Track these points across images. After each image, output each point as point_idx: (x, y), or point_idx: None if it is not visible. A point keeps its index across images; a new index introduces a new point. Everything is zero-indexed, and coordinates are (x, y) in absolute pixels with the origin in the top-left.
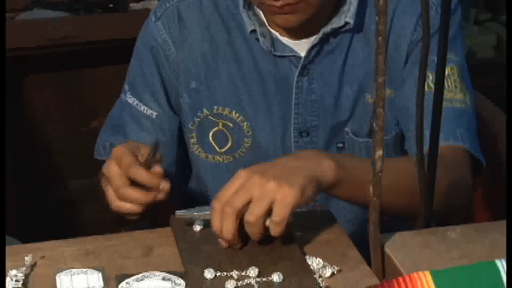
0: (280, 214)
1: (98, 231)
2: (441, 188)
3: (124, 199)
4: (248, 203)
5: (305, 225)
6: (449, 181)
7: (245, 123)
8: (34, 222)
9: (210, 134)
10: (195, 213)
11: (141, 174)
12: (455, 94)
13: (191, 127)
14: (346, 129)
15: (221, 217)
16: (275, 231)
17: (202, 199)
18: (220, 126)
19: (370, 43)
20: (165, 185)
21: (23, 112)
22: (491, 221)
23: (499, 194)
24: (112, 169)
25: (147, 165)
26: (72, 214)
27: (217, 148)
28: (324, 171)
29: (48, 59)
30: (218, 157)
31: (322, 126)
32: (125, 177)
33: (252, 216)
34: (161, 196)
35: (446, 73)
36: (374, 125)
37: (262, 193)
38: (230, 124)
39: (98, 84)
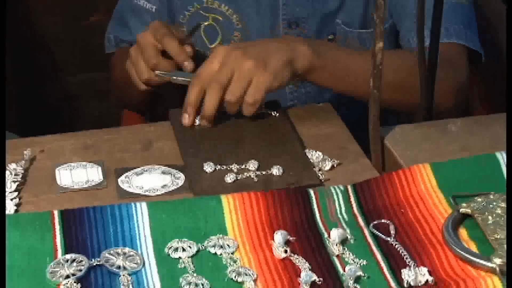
0: (254, 96)
1: (97, 125)
2: (439, 88)
3: (155, 69)
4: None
5: (305, 119)
6: (446, 81)
7: (234, 15)
8: (33, 116)
9: (202, 28)
10: (174, 77)
11: (172, 45)
12: None
13: (182, 21)
14: (337, 20)
15: (199, 92)
16: (248, 111)
17: None
18: (210, 21)
19: None
20: (189, 65)
21: (22, 5)
22: (491, 114)
23: (499, 85)
24: (147, 39)
25: (181, 42)
26: (72, 108)
27: (208, 43)
28: (300, 56)
29: None
30: (209, 52)
31: (312, 17)
32: (158, 49)
33: (233, 96)
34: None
35: None
36: (375, 17)
37: (241, 73)
38: (220, 18)
39: None
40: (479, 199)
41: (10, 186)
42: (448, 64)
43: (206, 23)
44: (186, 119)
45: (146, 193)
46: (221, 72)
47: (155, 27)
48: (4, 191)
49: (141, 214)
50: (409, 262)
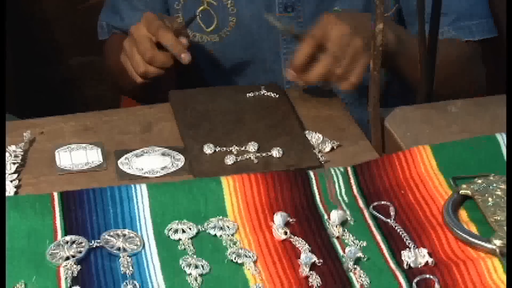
0: (359, 78)
1: (97, 107)
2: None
3: (152, 62)
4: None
5: (304, 101)
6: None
7: (229, 0)
8: (33, 98)
9: (197, 12)
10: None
11: (168, 38)
12: None
13: (177, 7)
14: (336, 8)
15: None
16: (347, 87)
17: (195, 78)
18: (206, 6)
19: None
20: (186, 57)
21: None
22: (491, 96)
23: (499, 66)
24: (141, 31)
25: (176, 34)
26: (72, 90)
27: (204, 28)
28: (388, 43)
29: None
30: (206, 37)
31: (307, 1)
32: (153, 41)
33: (341, 70)
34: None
35: None
36: None
37: (353, 50)
38: (214, 3)
39: None
40: (479, 181)
41: (10, 168)
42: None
43: (201, 8)
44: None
45: (146, 175)
46: (338, 43)
47: (148, 19)
48: (4, 179)
49: (141, 196)
50: (409, 243)
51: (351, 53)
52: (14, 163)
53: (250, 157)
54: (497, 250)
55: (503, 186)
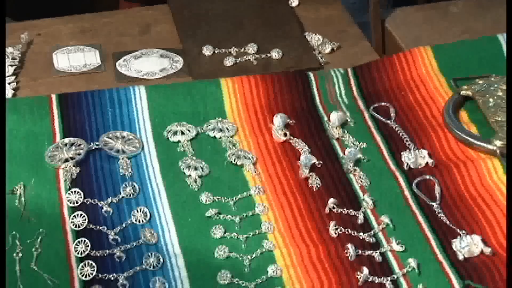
0: None
1: (95, 8)
2: None
3: None
4: None
5: (304, 2)
6: None
7: None
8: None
9: None
10: None
11: None
12: None
13: None
14: None
15: None
16: None
17: None
18: None
19: None
20: None
21: None
22: None
23: None
24: None
25: None
26: None
27: None
28: None
29: None
30: None
31: None
32: None
33: None
34: None
35: None
36: None
37: None
38: None
39: None
40: (480, 81)
41: (8, 70)
42: None
43: None
44: None
45: (145, 77)
46: None
47: None
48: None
49: (140, 98)
50: (409, 144)
51: None
52: (11, 65)
53: (249, 59)
54: (498, 151)
55: (505, 87)
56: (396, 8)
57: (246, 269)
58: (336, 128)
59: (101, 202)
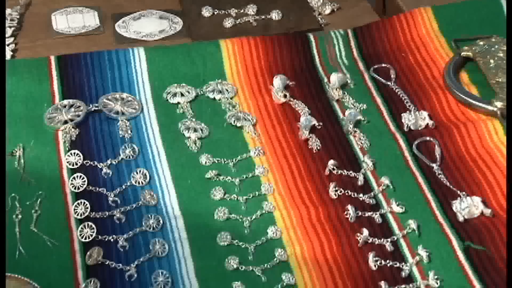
0: None
1: None
2: None
3: None
4: None
5: None
6: None
7: None
8: None
9: None
10: None
11: None
12: None
13: None
14: None
15: None
16: None
17: None
18: None
19: None
20: None
21: None
22: None
23: None
24: None
25: None
26: None
27: None
28: None
29: None
30: None
31: None
32: None
33: None
34: None
35: None
36: None
37: None
38: None
39: None
40: (481, 43)
41: (6, 31)
42: None
43: None
44: None
45: (144, 38)
46: None
47: None
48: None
49: (139, 59)
50: (409, 106)
51: None
52: (10, 27)
53: (249, 20)
54: (498, 112)
55: (505, 48)
56: None
57: (246, 231)
58: (336, 89)
59: (101, 164)
